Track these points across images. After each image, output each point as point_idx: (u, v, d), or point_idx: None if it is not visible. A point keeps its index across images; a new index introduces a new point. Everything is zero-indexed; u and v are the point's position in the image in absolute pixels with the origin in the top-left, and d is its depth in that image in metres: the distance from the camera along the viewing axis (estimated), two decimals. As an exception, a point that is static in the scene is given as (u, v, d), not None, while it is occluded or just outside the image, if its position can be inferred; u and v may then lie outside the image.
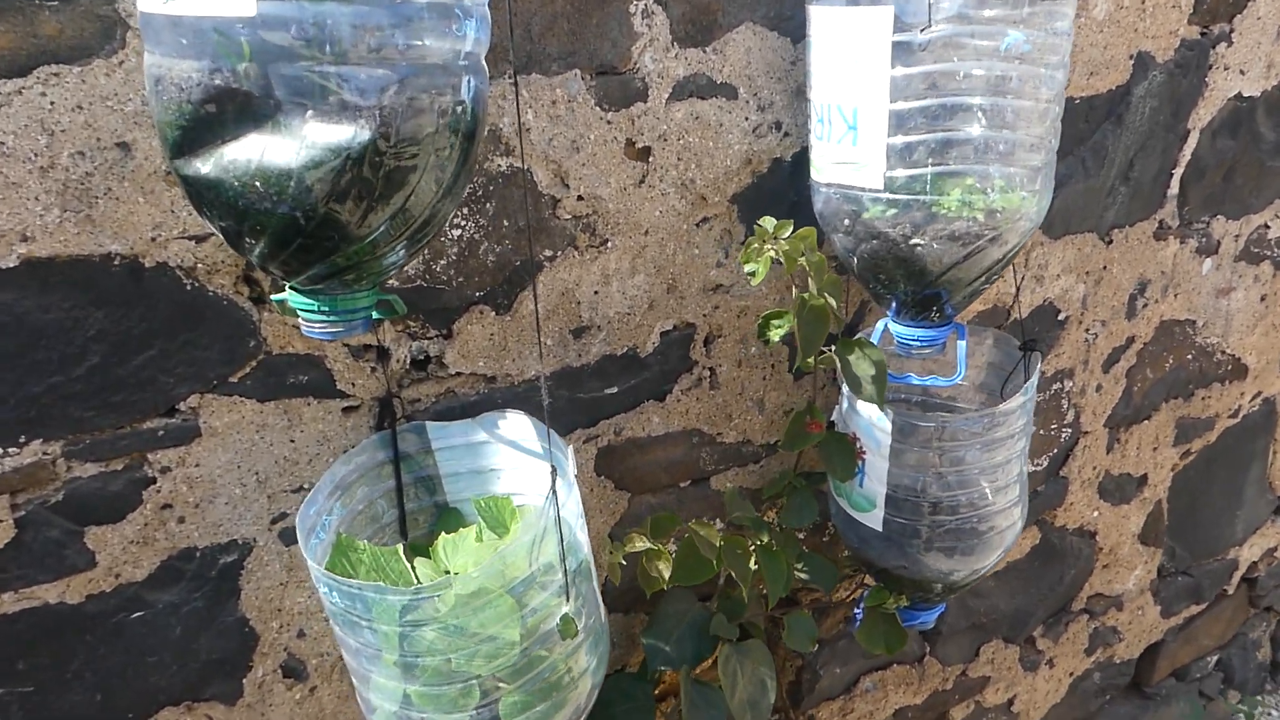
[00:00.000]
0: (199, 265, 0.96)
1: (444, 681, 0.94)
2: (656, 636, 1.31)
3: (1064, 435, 1.83)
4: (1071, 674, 2.14)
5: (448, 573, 1.06)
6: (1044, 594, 1.97)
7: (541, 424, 1.09)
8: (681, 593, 1.32)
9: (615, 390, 1.26)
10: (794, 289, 1.13)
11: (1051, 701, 2.13)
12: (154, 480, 1.01)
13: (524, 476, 1.13)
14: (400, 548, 1.04)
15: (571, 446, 1.02)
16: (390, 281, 1.06)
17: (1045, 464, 1.83)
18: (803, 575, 1.40)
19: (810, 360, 1.11)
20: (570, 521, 0.99)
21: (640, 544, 1.09)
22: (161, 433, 1.00)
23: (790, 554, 1.38)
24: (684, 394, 1.32)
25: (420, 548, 1.13)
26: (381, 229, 0.81)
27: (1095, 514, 1.97)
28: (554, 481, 0.94)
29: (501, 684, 0.96)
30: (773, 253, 1.02)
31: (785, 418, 1.42)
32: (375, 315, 0.97)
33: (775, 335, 1.20)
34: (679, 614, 1.33)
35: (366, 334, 1.07)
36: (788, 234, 1.03)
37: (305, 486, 1.09)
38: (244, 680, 1.13)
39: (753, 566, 1.18)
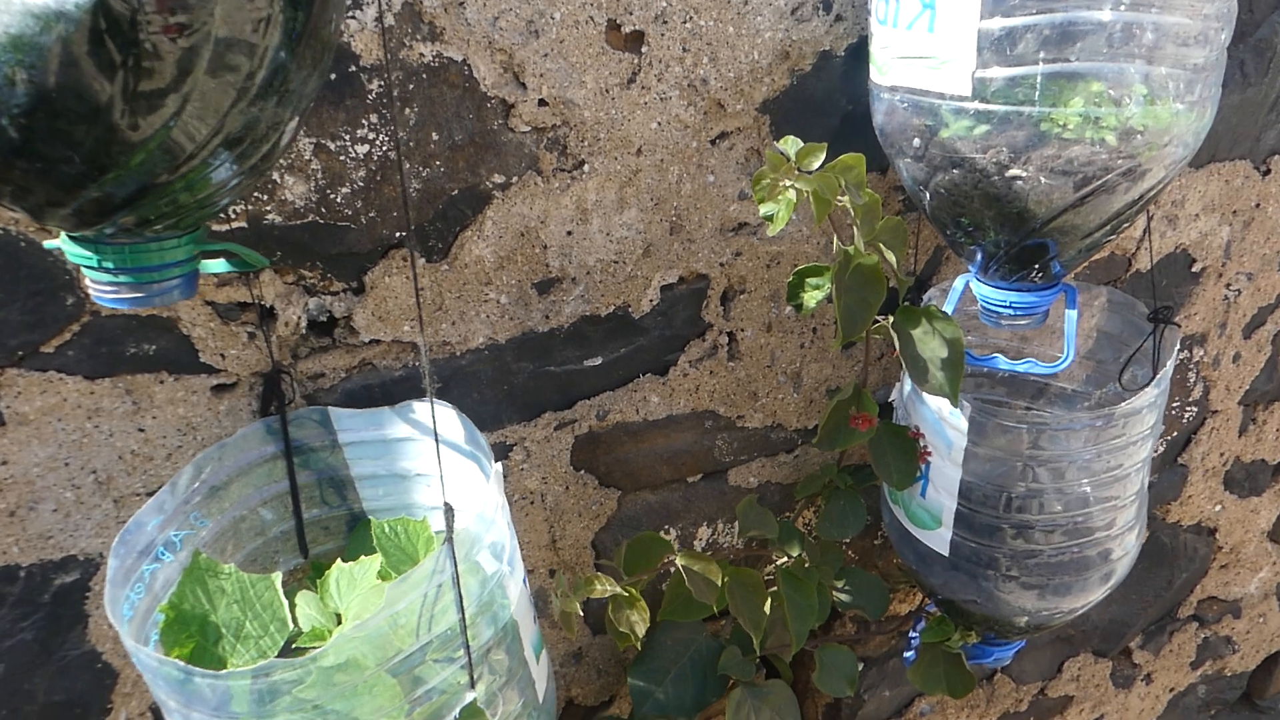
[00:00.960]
0: (-28, 190, 0.68)
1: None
2: (647, 676, 1.04)
3: (1187, 415, 1.48)
4: (1172, 690, 1.82)
5: (337, 616, 0.79)
6: (1147, 601, 1.64)
7: (465, 418, 0.80)
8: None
9: (599, 361, 0.96)
10: (834, 240, 0.81)
11: None
12: (-57, 482, 0.75)
13: (456, 487, 0.84)
14: (277, 576, 0.77)
15: (499, 464, 0.73)
16: (274, 217, 0.77)
17: (1161, 449, 1.49)
18: (843, 597, 1.11)
19: (856, 337, 0.80)
20: (488, 569, 0.70)
21: (603, 587, 0.80)
22: (-54, 420, 0.73)
23: (827, 574, 1.08)
24: (693, 366, 1.01)
25: (327, 568, 0.86)
26: (158, 141, 0.52)
27: (1217, 508, 1.62)
28: (450, 524, 0.65)
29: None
30: (796, 191, 0.70)
31: (828, 398, 1.11)
32: (225, 267, 0.68)
33: (811, 300, 0.88)
34: (678, 645, 1.04)
35: (233, 284, 0.78)
36: (818, 164, 0.71)
37: (163, 484, 0.82)
38: (102, 726, 0.89)
39: (768, 609, 0.89)
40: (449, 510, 0.65)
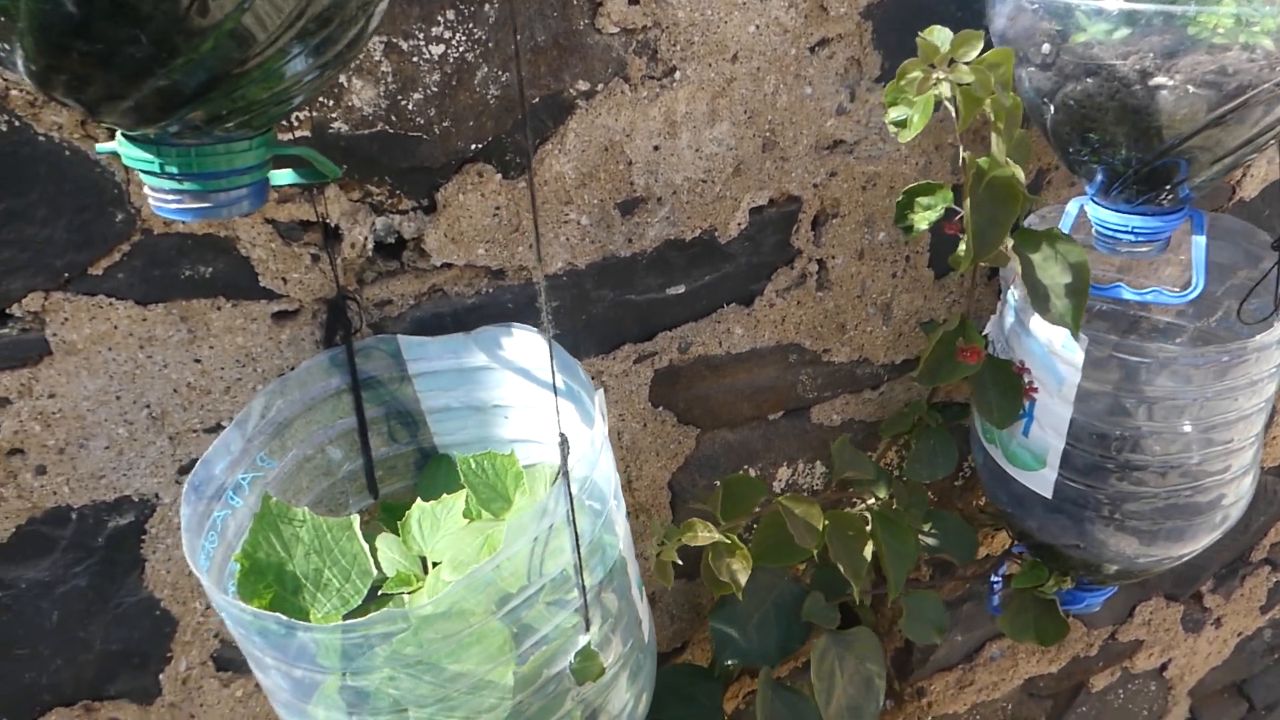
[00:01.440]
0: (12, 92, 0.61)
1: (396, 745, 0.62)
2: (729, 621, 0.98)
3: None
4: (1240, 634, 1.76)
5: (422, 559, 0.73)
6: (1223, 544, 1.58)
7: (558, 345, 0.74)
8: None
9: (681, 290, 0.89)
10: (963, 152, 0.73)
11: (1211, 665, 1.77)
12: (-12, 416, 0.69)
13: (541, 420, 0.78)
14: (355, 520, 0.71)
15: (601, 391, 0.66)
16: (340, 126, 0.70)
17: (1250, 388, 1.41)
18: (929, 541, 1.05)
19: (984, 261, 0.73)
20: (596, 505, 0.64)
21: (705, 534, 0.74)
22: (-10, 349, 0.67)
23: (915, 517, 1.02)
24: (780, 296, 0.94)
25: (398, 509, 0.80)
26: (233, 22, 0.45)
27: (1301, 449, 1.55)
28: (565, 459, 0.58)
29: (484, 752, 0.64)
30: (944, 88, 0.62)
31: (917, 331, 1.04)
32: (293, 178, 0.62)
33: (922, 222, 0.81)
34: (760, 590, 0.99)
35: (295, 201, 0.71)
36: (973, 55, 0.63)
37: (225, 424, 0.76)
38: (161, 675, 0.84)
39: (868, 554, 0.82)
40: (564, 441, 0.58)
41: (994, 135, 0.68)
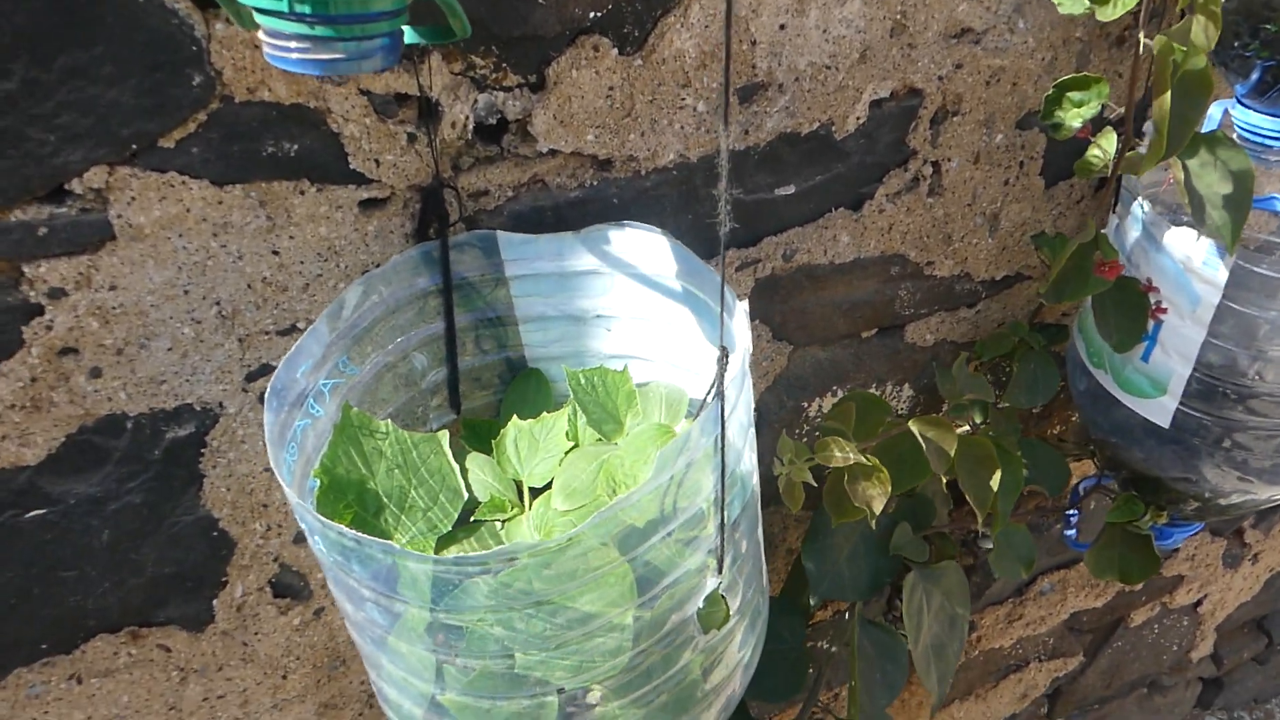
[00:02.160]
0: (80, -82, 0.51)
1: (500, 692, 0.56)
2: (819, 557, 0.93)
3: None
4: (1272, 569, 1.75)
5: (517, 484, 0.67)
6: (1272, 479, 1.55)
7: (681, 245, 0.66)
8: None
9: (791, 191, 0.81)
10: (1143, 38, 0.65)
11: (1240, 600, 1.76)
12: (40, 310, 0.61)
13: (651, 334, 0.71)
14: (444, 436, 0.64)
15: (745, 302, 0.59)
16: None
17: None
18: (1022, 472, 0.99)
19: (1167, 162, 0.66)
20: (734, 439, 0.58)
21: (841, 455, 0.67)
22: (43, 231, 0.58)
23: (1011, 445, 0.96)
24: (890, 201, 0.87)
25: (481, 428, 0.73)
26: None
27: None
28: (721, 378, 0.51)
29: (598, 700, 0.58)
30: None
31: (1021, 245, 0.97)
32: (414, 37, 0.53)
33: (1074, 119, 0.73)
34: (847, 524, 0.93)
35: (394, 70, 0.62)
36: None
37: (301, 326, 0.68)
38: (214, 601, 0.77)
39: (996, 483, 0.77)
40: (724, 356, 0.51)
41: (1197, 20, 0.60)
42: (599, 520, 0.50)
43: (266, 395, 0.57)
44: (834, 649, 1.06)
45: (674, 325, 0.69)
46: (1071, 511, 1.13)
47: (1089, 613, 1.51)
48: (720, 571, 0.57)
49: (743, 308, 0.59)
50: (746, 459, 0.60)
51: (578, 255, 0.70)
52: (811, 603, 0.95)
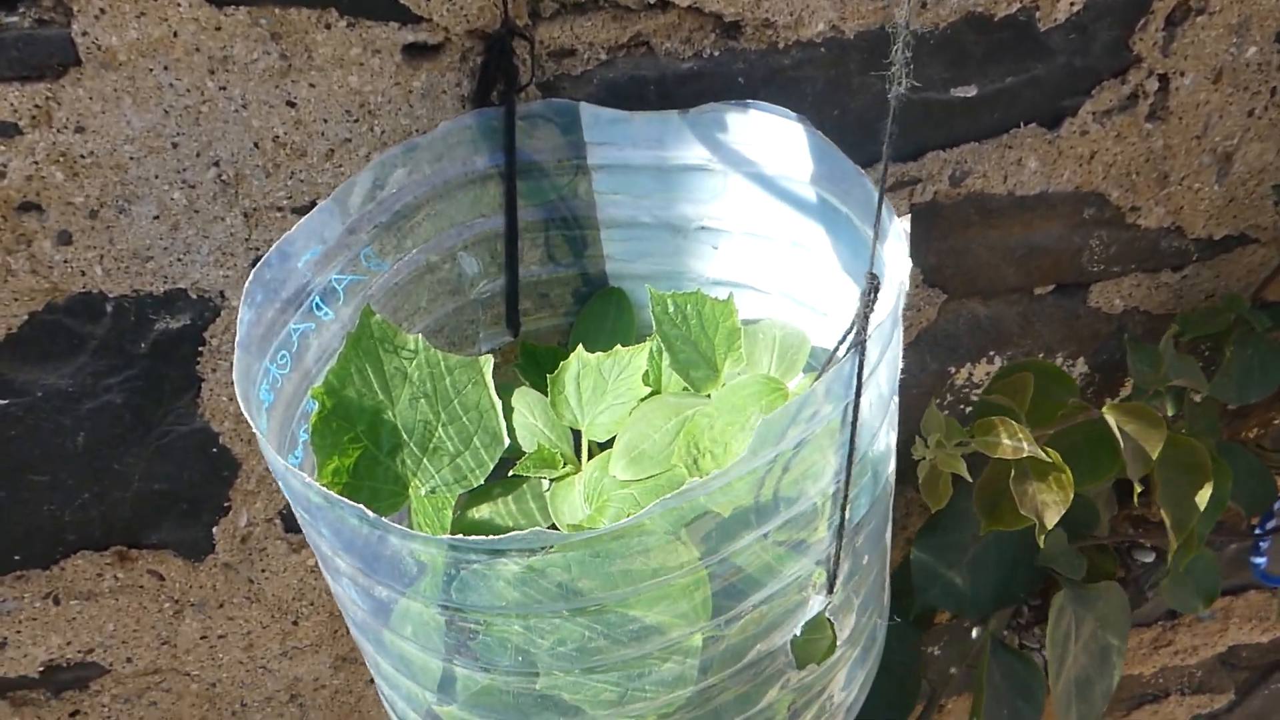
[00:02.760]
0: None
1: (513, 716, 0.41)
2: (938, 551, 0.76)
3: None
4: None
5: (575, 434, 0.51)
6: None
7: (825, 140, 0.49)
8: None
9: (971, 93, 0.63)
10: None
11: None
12: (-12, 148, 0.48)
13: (769, 256, 0.54)
14: (487, 363, 0.49)
15: (905, 219, 0.41)
16: None
17: None
18: (1215, 482, 0.79)
19: None
20: (871, 412, 0.41)
21: (1011, 443, 0.50)
22: (-12, 43, 0.45)
23: (1207, 446, 0.76)
24: (1098, 121, 0.67)
25: (544, 356, 0.58)
26: None
27: None
28: (864, 318, 0.35)
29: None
30: None
31: (1254, 198, 0.76)
32: None
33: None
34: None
35: None
36: None
37: (319, 198, 0.54)
38: (215, 529, 0.65)
39: (1204, 500, 0.58)
40: (872, 285, 0.34)
41: None
42: (670, 505, 0.35)
43: (247, 284, 0.43)
44: (952, 669, 0.89)
45: (801, 247, 0.52)
46: (1263, 535, 0.93)
47: (1250, 648, 1.29)
48: (831, 590, 0.41)
49: (902, 228, 0.41)
50: (883, 439, 0.43)
51: (683, 144, 0.53)
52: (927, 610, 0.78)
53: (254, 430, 0.38)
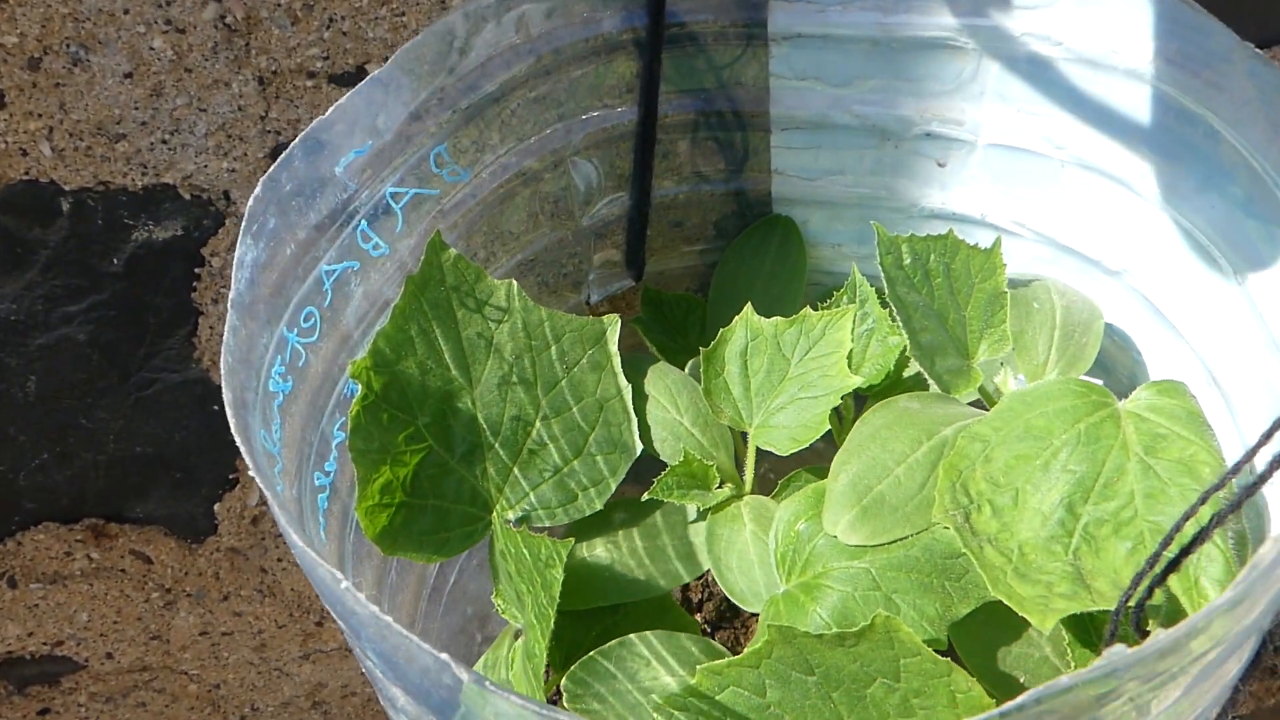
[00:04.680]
0: None
1: None
2: None
3: None
4: None
5: (738, 436, 0.35)
6: None
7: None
8: None
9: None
10: None
11: None
12: None
13: (1034, 175, 0.36)
14: (613, 327, 0.32)
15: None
16: None
17: None
18: None
19: None
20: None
21: None
22: None
23: None
24: None
25: (675, 309, 0.41)
26: None
27: None
28: None
29: None
30: None
31: None
32: None
33: None
34: None
35: None
36: None
37: (370, 63, 0.37)
38: (216, 505, 0.50)
39: None
40: None
41: None
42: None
43: (252, 199, 0.27)
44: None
45: (1091, 170, 0.35)
46: None
47: None
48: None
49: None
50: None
51: (918, 5, 0.35)
52: None
53: (249, 461, 0.22)
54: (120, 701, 0.60)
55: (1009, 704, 0.16)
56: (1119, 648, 0.17)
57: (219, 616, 0.56)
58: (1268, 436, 0.21)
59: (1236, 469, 0.22)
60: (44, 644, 0.55)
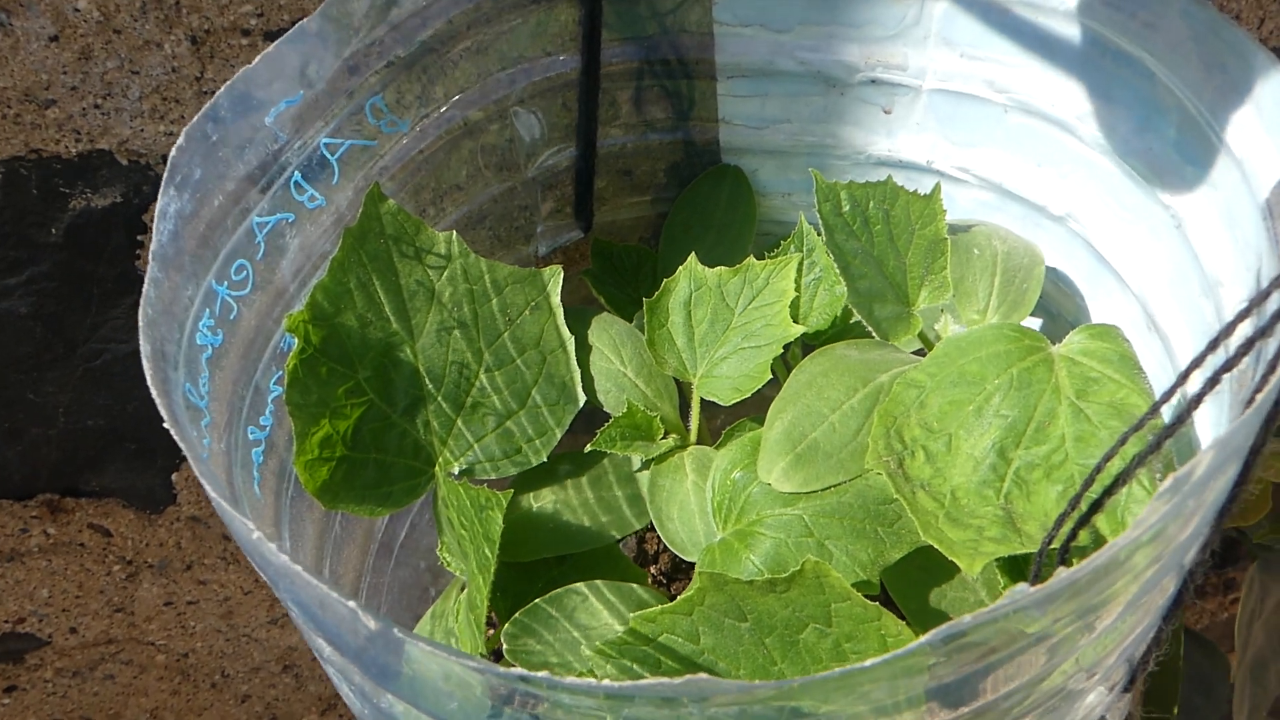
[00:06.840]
0: None
1: None
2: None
3: None
4: None
5: (679, 384, 0.35)
6: None
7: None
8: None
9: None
10: None
11: None
12: None
13: (977, 120, 0.37)
14: (554, 277, 0.32)
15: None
16: None
17: None
18: None
19: None
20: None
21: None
22: None
23: None
24: None
25: (624, 260, 0.42)
26: None
27: None
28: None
29: None
30: None
31: None
32: None
33: None
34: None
35: None
36: None
37: (306, 16, 0.37)
38: (174, 474, 0.51)
39: None
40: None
41: None
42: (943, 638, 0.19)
43: (175, 149, 0.27)
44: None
45: (1032, 114, 0.35)
46: None
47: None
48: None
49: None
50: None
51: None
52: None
53: (164, 413, 0.22)
54: (87, 675, 0.60)
55: (914, 643, 0.17)
56: (1021, 586, 0.17)
57: (183, 586, 0.57)
58: (1184, 377, 0.21)
59: (1156, 408, 0.22)
60: (5, 622, 0.55)
